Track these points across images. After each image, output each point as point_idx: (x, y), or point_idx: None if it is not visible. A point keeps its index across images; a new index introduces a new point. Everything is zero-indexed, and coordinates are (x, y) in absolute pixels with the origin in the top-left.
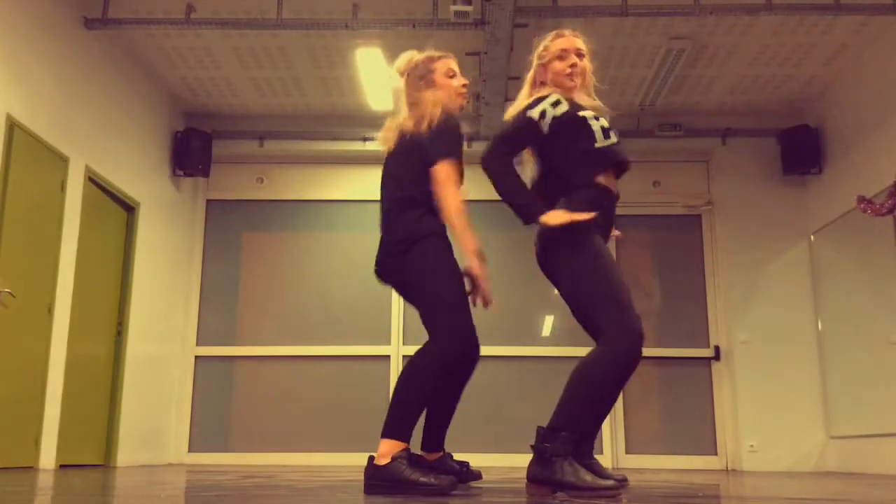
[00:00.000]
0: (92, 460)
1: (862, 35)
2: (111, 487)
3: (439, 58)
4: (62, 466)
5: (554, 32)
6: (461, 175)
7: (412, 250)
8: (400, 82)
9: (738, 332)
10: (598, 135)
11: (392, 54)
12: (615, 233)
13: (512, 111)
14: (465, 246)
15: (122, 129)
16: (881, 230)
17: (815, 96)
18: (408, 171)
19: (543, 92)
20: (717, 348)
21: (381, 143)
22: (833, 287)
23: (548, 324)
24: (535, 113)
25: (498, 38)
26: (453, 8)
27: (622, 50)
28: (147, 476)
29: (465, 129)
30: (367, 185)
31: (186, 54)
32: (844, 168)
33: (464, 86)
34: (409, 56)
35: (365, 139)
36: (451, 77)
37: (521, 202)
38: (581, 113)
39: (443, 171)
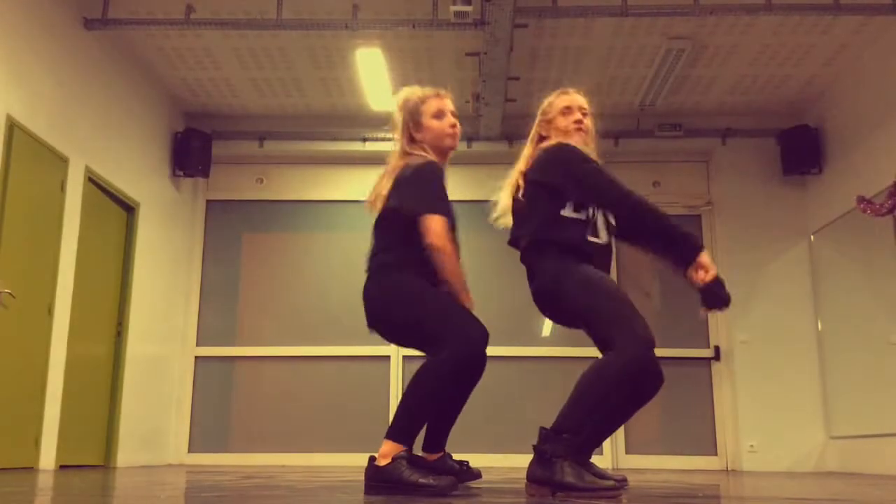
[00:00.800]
0: (92, 461)
1: (862, 35)
2: (111, 488)
3: (429, 97)
4: (62, 467)
5: (559, 90)
6: (453, 230)
7: (394, 298)
8: (398, 118)
9: (737, 333)
10: (602, 232)
11: (392, 55)
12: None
13: (515, 174)
14: (458, 289)
15: (122, 129)
16: (881, 230)
17: (815, 96)
18: (394, 231)
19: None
20: (717, 348)
21: (368, 206)
22: (833, 287)
23: (548, 324)
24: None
25: (498, 38)
26: (453, 8)
27: (622, 50)
28: (147, 476)
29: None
30: (366, 185)
31: (186, 55)
32: (844, 168)
33: (452, 126)
34: (407, 93)
35: (365, 140)
36: (439, 118)
37: (684, 232)
38: None
39: (435, 224)
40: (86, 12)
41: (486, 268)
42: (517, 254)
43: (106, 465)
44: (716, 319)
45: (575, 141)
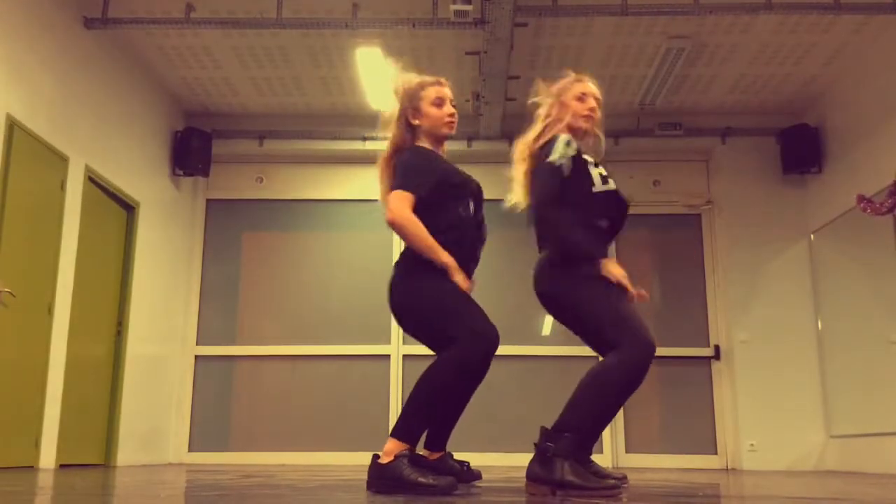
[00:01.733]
0: (92, 460)
1: (862, 35)
2: (111, 487)
3: (429, 85)
4: (62, 466)
5: (574, 75)
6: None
7: (407, 286)
8: (395, 103)
9: (738, 332)
10: (597, 180)
11: (392, 54)
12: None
13: (521, 147)
14: (441, 265)
15: (121, 128)
16: (881, 229)
17: (815, 96)
18: None
19: (552, 133)
20: (717, 347)
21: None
22: (833, 286)
23: (547, 323)
24: (555, 159)
25: (498, 37)
26: (453, 7)
27: (622, 49)
28: (147, 475)
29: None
30: (366, 184)
31: (186, 54)
32: (844, 167)
33: (451, 115)
34: (406, 79)
35: (365, 139)
36: (439, 106)
37: (585, 247)
38: (584, 156)
39: (393, 200)
40: (86, 12)
41: (485, 267)
42: (516, 253)
43: (106, 464)
44: (716, 319)
45: (584, 126)
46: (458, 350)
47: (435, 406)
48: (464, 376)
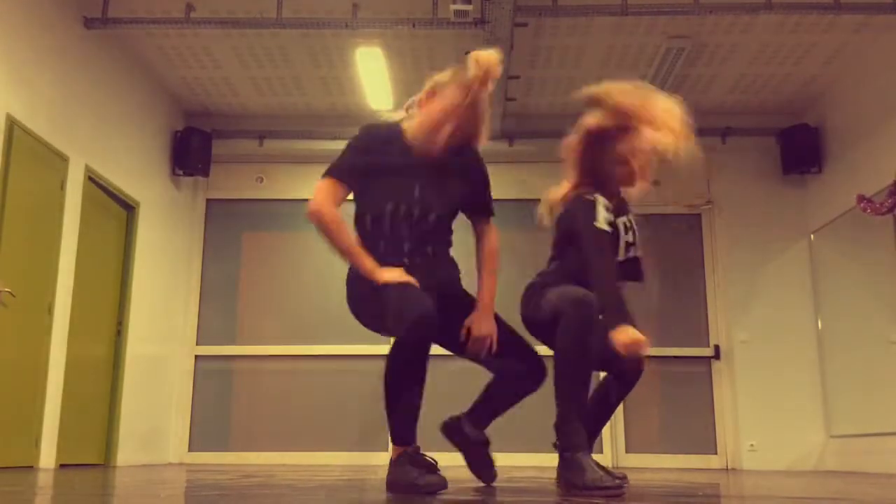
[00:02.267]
0: (92, 460)
1: (862, 34)
2: (111, 487)
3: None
4: (62, 466)
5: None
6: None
7: (355, 287)
8: None
9: (737, 332)
10: (621, 250)
11: (392, 54)
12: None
13: (554, 195)
14: (358, 267)
15: (121, 128)
16: (881, 229)
17: (815, 96)
18: None
19: (585, 190)
20: (716, 347)
21: None
22: (833, 286)
23: None
24: (603, 225)
25: (498, 37)
26: (453, 7)
27: (622, 49)
28: (147, 475)
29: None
30: None
31: (186, 54)
32: (844, 167)
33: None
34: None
35: None
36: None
37: (622, 307)
38: (617, 220)
39: (316, 188)
40: (86, 11)
41: None
42: (515, 252)
43: (106, 464)
44: (716, 318)
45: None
46: (395, 341)
47: (399, 400)
48: (404, 361)
